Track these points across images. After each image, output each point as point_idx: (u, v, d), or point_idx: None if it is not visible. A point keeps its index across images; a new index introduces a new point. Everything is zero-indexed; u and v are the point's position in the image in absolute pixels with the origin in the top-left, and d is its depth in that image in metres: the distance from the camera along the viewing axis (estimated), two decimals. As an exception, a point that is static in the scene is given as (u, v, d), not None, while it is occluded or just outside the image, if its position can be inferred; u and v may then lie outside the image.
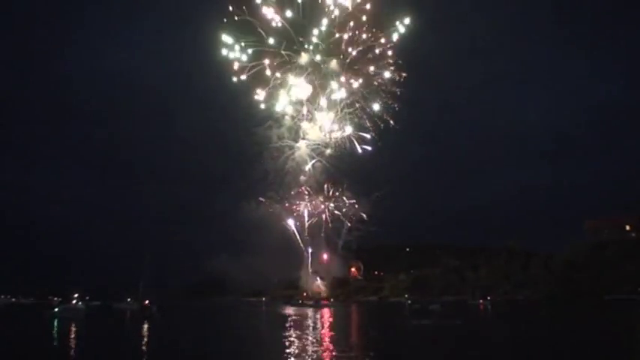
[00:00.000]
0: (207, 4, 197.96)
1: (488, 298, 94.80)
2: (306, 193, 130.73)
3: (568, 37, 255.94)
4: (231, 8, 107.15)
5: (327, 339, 29.99)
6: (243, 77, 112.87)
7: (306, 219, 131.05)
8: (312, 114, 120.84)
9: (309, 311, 73.91)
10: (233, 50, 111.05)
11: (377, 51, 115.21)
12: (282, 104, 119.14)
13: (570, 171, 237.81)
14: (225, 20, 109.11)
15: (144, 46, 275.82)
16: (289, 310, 76.30)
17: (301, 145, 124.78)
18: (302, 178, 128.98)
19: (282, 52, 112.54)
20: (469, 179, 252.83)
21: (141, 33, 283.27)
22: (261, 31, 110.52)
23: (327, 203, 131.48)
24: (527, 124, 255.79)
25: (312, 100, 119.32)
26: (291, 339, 29.29)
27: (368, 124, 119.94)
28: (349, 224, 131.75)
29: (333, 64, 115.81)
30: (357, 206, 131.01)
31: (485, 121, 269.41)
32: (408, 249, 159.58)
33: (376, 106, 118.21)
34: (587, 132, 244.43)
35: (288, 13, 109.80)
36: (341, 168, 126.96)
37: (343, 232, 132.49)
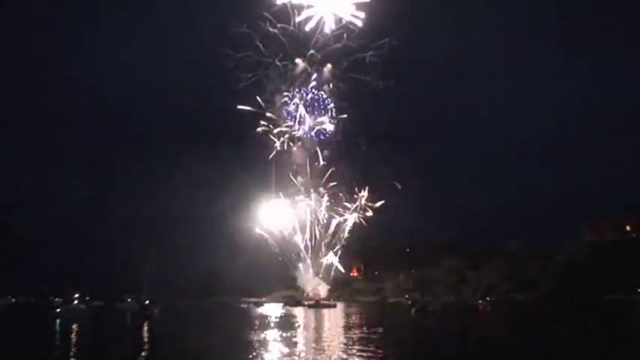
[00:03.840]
0: (206, 6, 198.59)
1: (488, 298, 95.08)
2: (307, 192, 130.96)
3: (568, 37, 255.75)
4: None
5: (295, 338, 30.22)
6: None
7: (307, 218, 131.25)
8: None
9: (306, 312, 74.11)
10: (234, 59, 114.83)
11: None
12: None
13: (570, 171, 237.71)
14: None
15: (144, 45, 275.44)
16: (288, 311, 76.56)
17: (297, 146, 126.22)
18: (300, 179, 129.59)
19: (278, 62, 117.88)
20: (469, 179, 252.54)
21: (140, 32, 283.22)
22: (259, 44, 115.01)
23: (328, 203, 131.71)
24: (528, 123, 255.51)
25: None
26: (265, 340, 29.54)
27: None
28: (350, 224, 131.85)
29: (327, 69, 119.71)
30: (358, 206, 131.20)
31: (484, 121, 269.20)
32: (408, 249, 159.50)
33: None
34: (587, 132, 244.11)
35: (285, 27, 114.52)
36: (340, 168, 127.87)
37: (344, 232, 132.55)
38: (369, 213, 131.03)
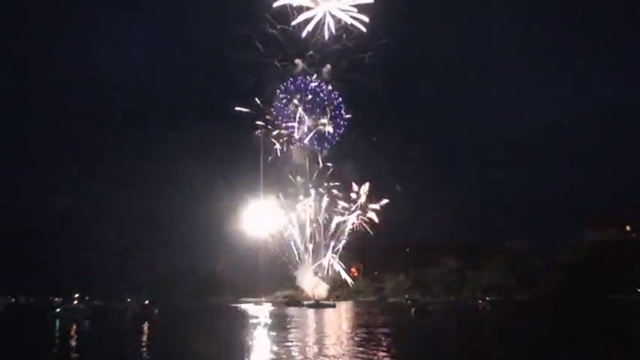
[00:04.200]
0: (208, 7, 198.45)
1: (488, 298, 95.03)
2: (306, 192, 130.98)
3: (568, 37, 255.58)
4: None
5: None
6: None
7: (307, 218, 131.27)
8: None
9: (305, 312, 74.13)
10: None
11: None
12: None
13: (571, 171, 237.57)
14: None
15: (144, 46, 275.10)
16: (287, 311, 76.59)
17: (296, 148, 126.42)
18: (299, 179, 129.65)
19: (277, 63, 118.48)
20: (469, 179, 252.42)
21: (141, 33, 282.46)
22: (259, 45, 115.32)
23: (328, 203, 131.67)
24: (528, 123, 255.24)
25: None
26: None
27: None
28: (350, 224, 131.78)
29: (326, 70, 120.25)
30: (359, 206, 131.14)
31: (485, 121, 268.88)
32: (408, 249, 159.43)
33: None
34: (587, 132, 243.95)
35: (285, 28, 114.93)
36: (339, 168, 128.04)
37: (344, 232, 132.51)
38: (369, 213, 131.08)
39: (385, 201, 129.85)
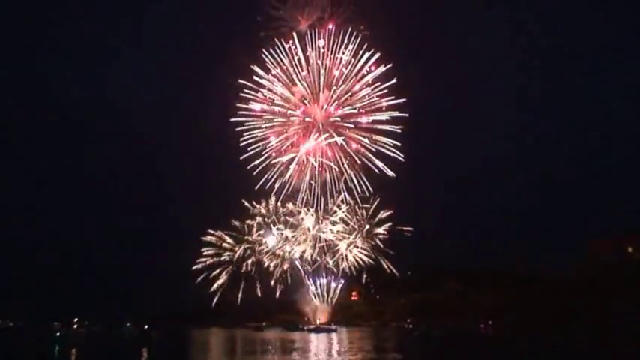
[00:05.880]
0: (207, 25, 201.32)
1: (490, 322, 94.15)
2: (307, 212, 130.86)
3: (568, 38, 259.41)
4: None
5: None
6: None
7: (308, 241, 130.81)
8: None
9: (307, 337, 73.46)
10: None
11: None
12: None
13: (572, 188, 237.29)
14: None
15: (139, 66, 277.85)
16: (289, 335, 75.89)
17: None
18: (299, 196, 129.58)
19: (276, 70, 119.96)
20: (470, 199, 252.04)
21: (137, 53, 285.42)
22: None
23: (330, 225, 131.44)
24: (531, 140, 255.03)
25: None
26: None
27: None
28: (352, 248, 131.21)
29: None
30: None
31: (484, 131, 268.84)
32: (409, 272, 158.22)
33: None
34: (588, 136, 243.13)
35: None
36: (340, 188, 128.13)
37: (346, 257, 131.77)
38: (372, 236, 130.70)
39: (389, 224, 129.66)
